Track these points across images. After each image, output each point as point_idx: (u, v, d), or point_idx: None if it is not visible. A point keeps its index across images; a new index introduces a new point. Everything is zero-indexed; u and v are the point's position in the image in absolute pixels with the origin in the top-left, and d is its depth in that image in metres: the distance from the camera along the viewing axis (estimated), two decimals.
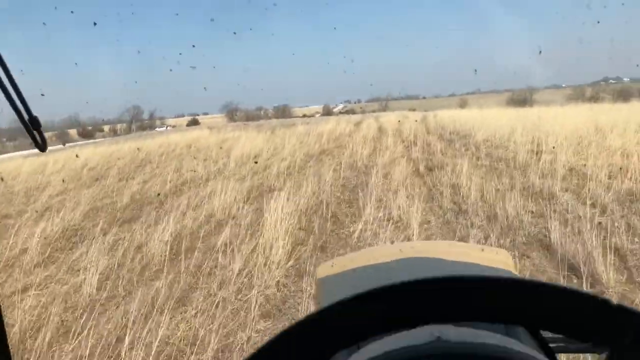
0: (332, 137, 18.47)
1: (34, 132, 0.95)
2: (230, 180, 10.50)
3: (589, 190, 6.33)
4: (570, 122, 14.28)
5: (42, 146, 1.00)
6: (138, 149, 20.11)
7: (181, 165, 13.08)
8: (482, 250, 1.07)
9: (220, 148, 18.00)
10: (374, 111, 67.30)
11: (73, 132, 65.41)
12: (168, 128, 54.77)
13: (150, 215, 7.90)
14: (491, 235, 5.19)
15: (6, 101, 0.88)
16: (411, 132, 17.52)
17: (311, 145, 15.91)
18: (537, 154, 9.96)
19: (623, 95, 58.27)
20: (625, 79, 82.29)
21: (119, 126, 64.92)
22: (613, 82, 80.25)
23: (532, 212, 5.90)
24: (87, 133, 58.48)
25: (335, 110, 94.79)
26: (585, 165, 7.89)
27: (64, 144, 44.25)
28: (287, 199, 7.38)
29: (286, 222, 6.21)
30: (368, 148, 13.81)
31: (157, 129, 53.94)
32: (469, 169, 8.92)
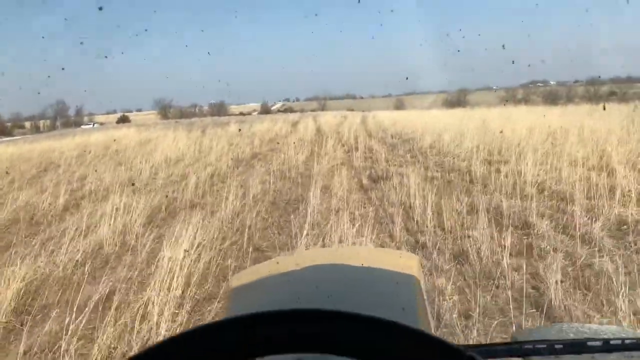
0: (266, 139, 16.75)
1: None
2: (141, 193, 8.60)
3: (573, 217, 5.09)
4: (516, 125, 13.51)
5: None
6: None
7: (90, 172, 10.86)
8: (390, 254, 1.17)
9: (142, 150, 15.77)
10: (312, 110, 66.12)
11: None
12: (95, 125, 50.44)
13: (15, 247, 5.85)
14: (467, 291, 3.76)
15: None
16: (351, 134, 16.18)
17: (242, 148, 14.12)
18: (490, 164, 8.84)
19: (551, 97, 61.03)
20: (551, 82, 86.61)
21: (42, 123, 59.27)
22: (540, 85, 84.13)
23: (507, 247, 4.55)
24: (4, 130, 52.60)
25: (273, 108, 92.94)
26: (556, 181, 6.76)
27: None
28: (201, 222, 5.67)
29: (189, 264, 4.50)
30: (305, 152, 12.25)
31: (82, 126, 49.46)
32: (419, 181, 7.60)
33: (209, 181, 9.08)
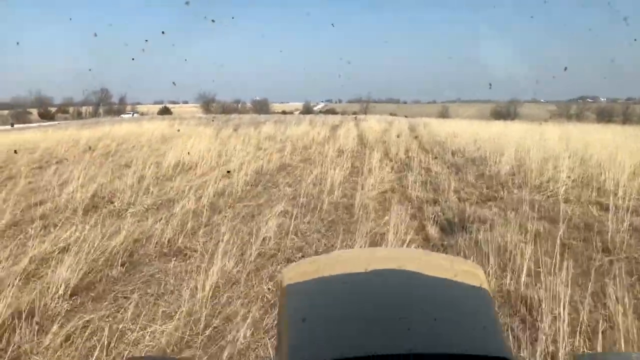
0: (300, 146, 14.07)
1: None
2: (112, 217, 6.16)
3: None
4: (593, 147, 10.31)
5: None
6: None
7: (82, 175, 8.49)
8: (454, 261, 0.92)
9: (158, 149, 13.42)
10: (354, 113, 63.08)
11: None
12: (135, 115, 49.37)
13: None
14: None
15: None
16: (400, 145, 13.27)
17: (270, 155, 11.48)
18: (606, 209, 5.80)
19: (606, 115, 55.57)
20: (602, 99, 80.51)
21: (84, 109, 59.03)
22: (590, 100, 78.47)
23: None
24: (47, 114, 52.38)
25: (315, 108, 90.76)
26: None
27: (12, 125, 38.73)
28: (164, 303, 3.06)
29: None
30: (344, 168, 9.47)
31: (122, 115, 48.46)
32: (517, 240, 4.72)
33: (209, 209, 6.46)
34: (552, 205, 6.48)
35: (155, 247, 5.04)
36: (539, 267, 4.04)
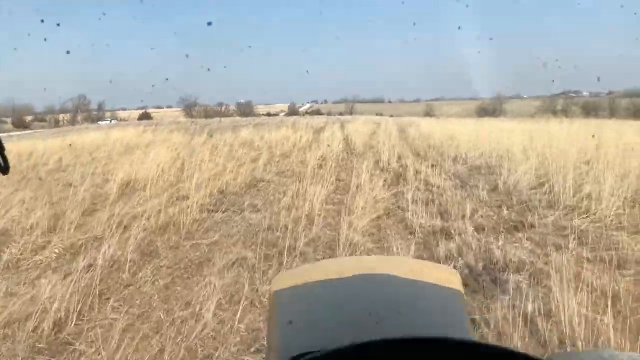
0: (278, 153, 12.26)
1: None
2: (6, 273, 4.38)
3: None
4: (606, 147, 8.69)
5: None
6: None
7: None
8: (431, 267, 0.95)
9: (111, 164, 11.46)
10: (340, 113, 61.33)
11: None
12: (112, 122, 46.94)
13: None
14: None
15: None
16: (392, 151, 11.50)
17: (243, 167, 9.64)
18: None
19: (593, 109, 54.52)
20: (584, 93, 79.83)
21: (61, 117, 56.31)
22: (573, 95, 77.79)
23: None
24: (22, 123, 49.63)
25: (301, 110, 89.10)
26: None
27: None
28: None
29: None
30: (328, 182, 7.68)
31: (99, 122, 45.99)
32: (597, 319, 3.01)
33: (139, 256, 4.62)
34: (603, 234, 4.76)
35: (31, 335, 3.20)
36: None
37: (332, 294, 0.87)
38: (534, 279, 3.75)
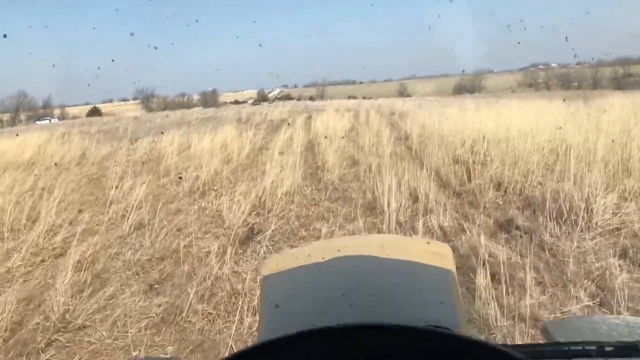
0: (206, 178, 6.74)
1: None
2: None
3: None
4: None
5: None
6: None
7: None
8: (428, 243, 0.96)
9: None
10: (310, 98, 55.34)
11: None
12: (52, 120, 40.10)
13: None
14: None
15: None
16: (390, 169, 6.11)
17: (124, 216, 4.13)
18: None
19: (574, 80, 50.38)
20: (553, 64, 75.93)
21: (3, 117, 48.93)
22: (542, 67, 73.94)
23: None
24: None
25: (270, 95, 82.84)
26: None
27: None
28: None
29: None
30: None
31: (37, 122, 39.09)
32: None
33: None
34: None
35: None
36: None
37: (315, 279, 0.88)
38: None
